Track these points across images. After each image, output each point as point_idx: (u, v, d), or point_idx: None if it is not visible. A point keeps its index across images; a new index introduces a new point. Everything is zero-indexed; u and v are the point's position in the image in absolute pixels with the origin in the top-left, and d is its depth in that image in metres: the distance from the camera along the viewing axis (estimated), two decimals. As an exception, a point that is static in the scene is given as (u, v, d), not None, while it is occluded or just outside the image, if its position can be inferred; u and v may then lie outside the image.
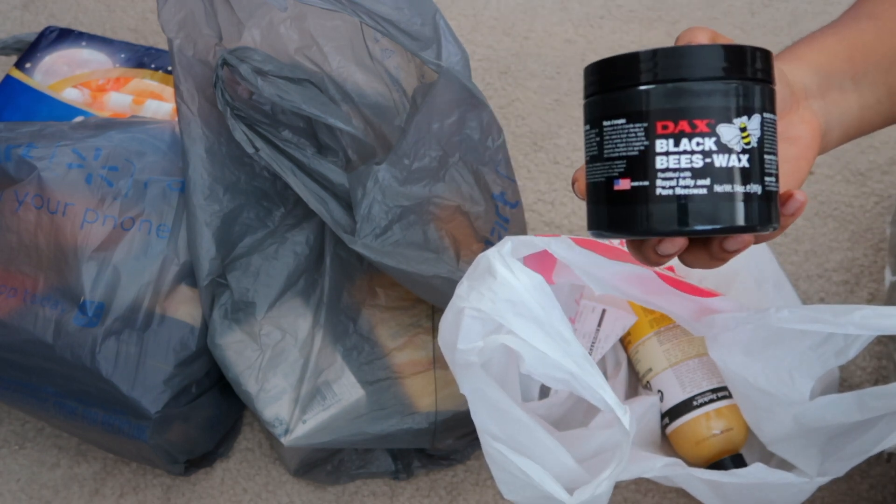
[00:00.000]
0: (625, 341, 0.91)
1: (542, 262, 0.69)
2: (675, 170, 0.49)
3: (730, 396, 0.85)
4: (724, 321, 0.72)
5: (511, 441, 0.62)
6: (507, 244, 0.61)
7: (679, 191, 0.49)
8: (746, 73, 0.49)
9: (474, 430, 0.89)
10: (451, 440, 0.89)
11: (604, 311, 0.89)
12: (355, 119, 0.85)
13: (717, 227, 0.49)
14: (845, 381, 0.95)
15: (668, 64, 0.49)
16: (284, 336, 0.86)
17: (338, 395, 0.85)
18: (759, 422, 0.78)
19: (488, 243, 0.85)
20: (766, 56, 0.51)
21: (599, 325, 0.89)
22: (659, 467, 0.73)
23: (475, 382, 0.62)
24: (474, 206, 0.84)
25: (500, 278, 0.59)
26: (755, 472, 0.74)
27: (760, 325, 0.70)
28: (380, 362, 0.86)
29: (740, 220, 0.49)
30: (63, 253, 0.83)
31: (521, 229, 0.88)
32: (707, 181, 0.49)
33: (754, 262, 0.91)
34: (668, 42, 1.18)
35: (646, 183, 0.49)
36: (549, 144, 1.12)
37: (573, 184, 0.56)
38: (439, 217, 0.82)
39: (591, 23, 1.21)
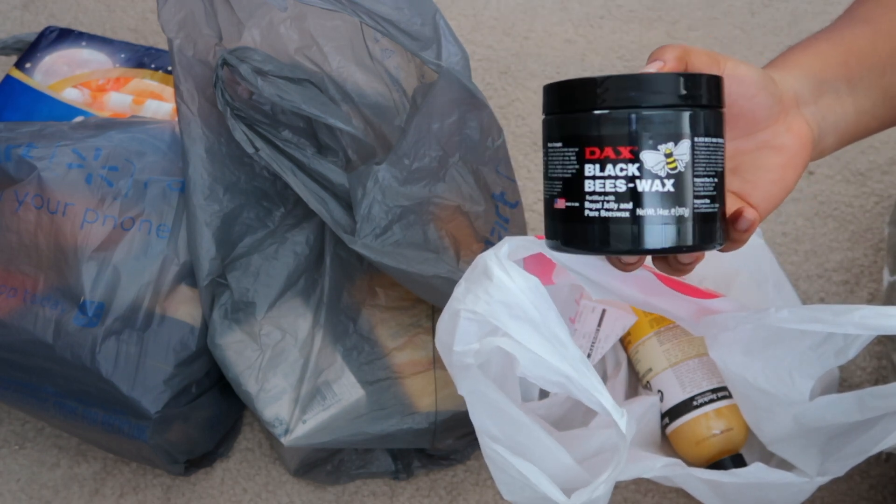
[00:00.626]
0: (625, 341, 0.91)
1: (542, 263, 0.69)
2: (600, 193, 0.52)
3: (730, 396, 0.85)
4: (723, 321, 0.72)
5: (510, 442, 0.62)
6: (504, 246, 0.61)
7: (604, 213, 0.52)
8: (672, 101, 0.51)
9: (474, 430, 0.89)
10: (451, 440, 0.89)
11: (604, 311, 0.89)
12: (355, 119, 0.85)
13: (643, 248, 0.52)
14: (845, 381, 0.95)
15: (596, 93, 0.51)
16: (284, 336, 0.86)
17: (338, 395, 0.85)
18: (759, 422, 0.78)
19: (488, 243, 0.85)
20: (698, 81, 0.52)
21: (599, 325, 0.89)
22: (659, 467, 0.73)
23: (473, 384, 0.62)
24: (474, 206, 0.84)
25: (495, 280, 0.59)
26: (755, 472, 0.74)
27: (760, 325, 0.70)
28: (380, 362, 0.86)
29: (666, 243, 0.52)
30: (63, 253, 0.83)
31: (521, 229, 0.88)
32: (629, 205, 0.51)
33: (754, 262, 0.91)
34: (668, 42, 1.18)
35: (577, 204, 0.52)
36: (549, 144, 1.12)
37: None
38: (439, 217, 0.82)
39: (591, 23, 1.21)
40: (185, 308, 0.85)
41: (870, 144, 1.08)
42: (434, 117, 0.79)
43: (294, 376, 0.85)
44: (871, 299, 1.00)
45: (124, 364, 0.82)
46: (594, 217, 0.52)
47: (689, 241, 0.52)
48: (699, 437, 0.84)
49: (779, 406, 0.74)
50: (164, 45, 1.06)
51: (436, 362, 0.87)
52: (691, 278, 0.86)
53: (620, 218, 0.51)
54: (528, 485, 0.61)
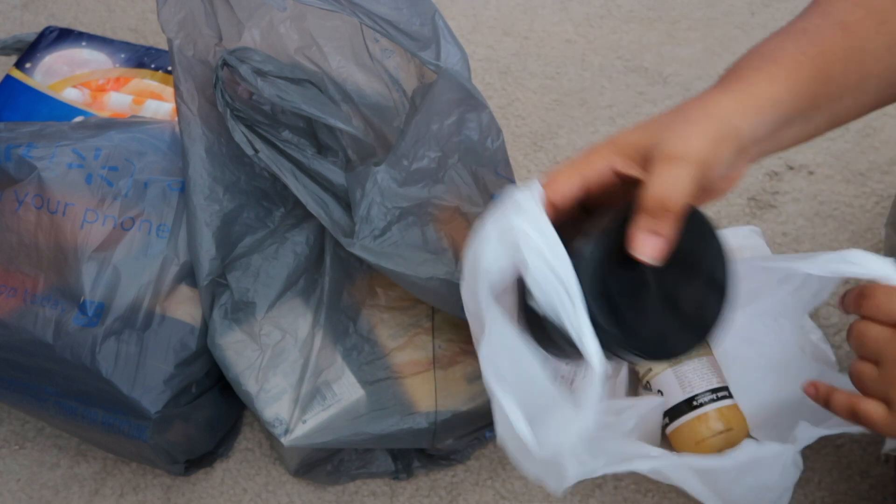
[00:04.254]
0: (624, 341, 0.91)
1: None
2: None
3: (730, 396, 0.85)
4: None
5: (522, 392, 0.62)
6: (536, 188, 0.60)
7: None
8: None
9: (474, 430, 0.89)
10: (451, 440, 0.89)
11: (603, 311, 0.88)
12: (355, 119, 0.85)
13: None
14: (844, 371, 0.95)
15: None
16: (284, 336, 0.86)
17: (338, 395, 0.85)
18: (747, 386, 0.85)
19: (488, 243, 0.85)
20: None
21: (599, 325, 0.88)
22: (651, 456, 0.74)
23: (495, 312, 0.61)
24: (473, 208, 0.84)
25: (525, 213, 0.58)
26: (745, 449, 0.76)
27: (744, 276, 0.70)
28: (380, 362, 0.86)
29: None
30: (63, 253, 0.83)
31: (521, 229, 0.88)
32: None
33: (754, 261, 0.91)
34: (668, 42, 1.18)
35: None
36: (549, 144, 1.12)
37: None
38: (438, 218, 0.82)
39: (591, 23, 1.21)
40: (185, 308, 0.85)
41: (870, 145, 1.08)
42: (433, 118, 0.79)
43: (294, 376, 0.85)
44: (871, 299, 0.99)
45: (124, 364, 0.82)
46: None
47: None
48: (699, 437, 0.84)
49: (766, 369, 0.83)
50: (164, 45, 1.06)
51: (436, 362, 0.87)
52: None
53: None
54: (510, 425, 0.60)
